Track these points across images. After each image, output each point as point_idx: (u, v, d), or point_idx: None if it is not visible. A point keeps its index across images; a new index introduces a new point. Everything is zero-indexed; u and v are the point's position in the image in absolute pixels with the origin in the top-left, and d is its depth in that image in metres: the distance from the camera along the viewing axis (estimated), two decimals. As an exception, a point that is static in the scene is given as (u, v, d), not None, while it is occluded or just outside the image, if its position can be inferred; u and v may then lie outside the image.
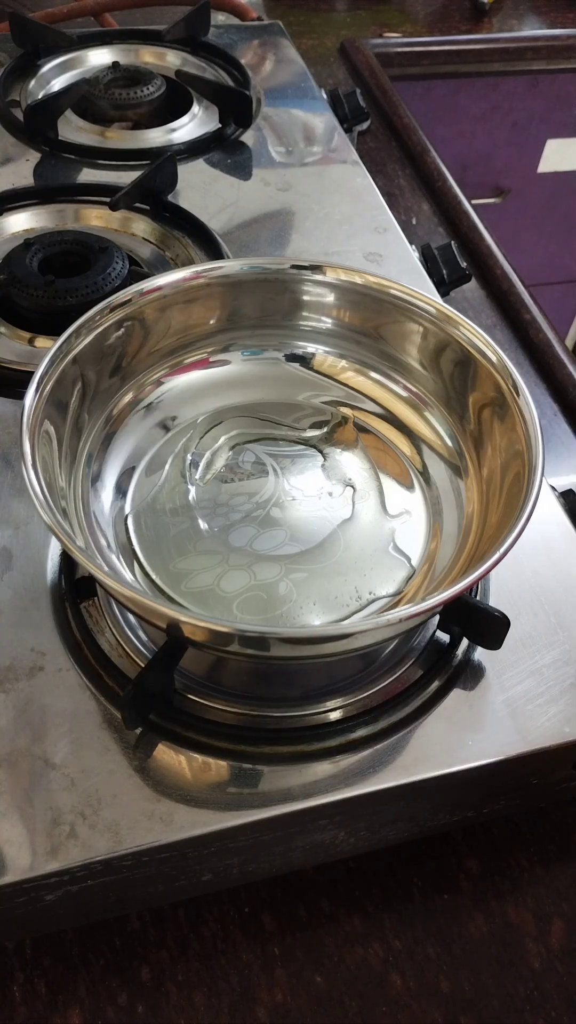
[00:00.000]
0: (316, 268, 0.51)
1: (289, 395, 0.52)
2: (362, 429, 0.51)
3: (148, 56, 0.89)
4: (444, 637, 0.45)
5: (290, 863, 0.42)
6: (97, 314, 0.46)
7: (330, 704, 0.42)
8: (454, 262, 0.68)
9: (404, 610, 0.36)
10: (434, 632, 0.45)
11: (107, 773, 0.39)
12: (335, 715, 0.42)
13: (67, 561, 0.46)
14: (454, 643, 0.44)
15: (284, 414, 0.51)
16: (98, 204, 0.68)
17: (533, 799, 0.45)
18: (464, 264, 0.67)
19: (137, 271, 0.62)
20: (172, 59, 0.89)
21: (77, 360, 0.45)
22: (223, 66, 0.88)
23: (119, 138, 0.79)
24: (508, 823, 0.46)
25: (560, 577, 0.47)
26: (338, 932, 0.42)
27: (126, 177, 0.69)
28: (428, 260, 0.68)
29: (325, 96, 0.88)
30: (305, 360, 0.53)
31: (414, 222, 0.80)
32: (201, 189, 0.73)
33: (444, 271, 0.67)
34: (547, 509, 0.51)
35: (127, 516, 0.46)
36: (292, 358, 0.53)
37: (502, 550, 0.37)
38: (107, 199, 0.66)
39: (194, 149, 0.77)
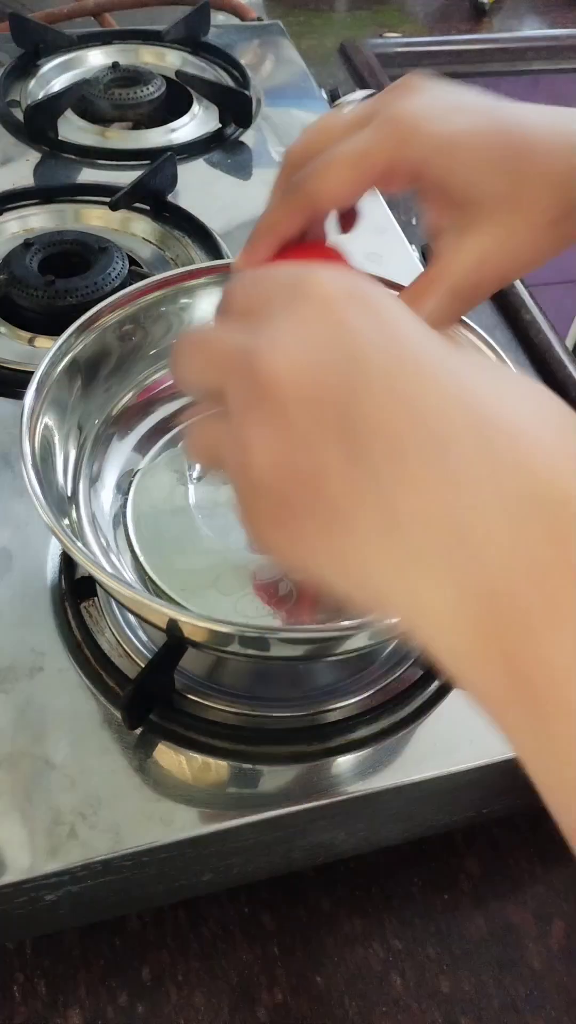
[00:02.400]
0: (316, 268, 0.50)
1: (289, 395, 0.52)
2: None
3: (148, 56, 0.89)
4: (444, 637, 0.45)
5: (290, 863, 0.42)
6: (97, 314, 0.46)
7: (330, 704, 0.42)
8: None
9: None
10: (434, 632, 0.45)
11: (107, 773, 0.39)
12: (335, 715, 0.42)
13: (67, 561, 0.46)
14: (454, 643, 0.44)
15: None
16: (98, 204, 0.68)
17: (533, 799, 0.45)
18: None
19: (137, 271, 0.62)
20: (172, 59, 0.89)
21: (77, 360, 0.45)
22: (223, 66, 0.88)
23: (119, 138, 0.79)
24: (508, 823, 0.46)
25: (560, 577, 0.47)
26: (338, 932, 0.42)
27: (126, 177, 0.69)
28: (428, 260, 0.68)
29: (325, 96, 0.88)
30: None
31: (414, 222, 0.80)
32: (201, 189, 0.73)
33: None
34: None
35: (127, 516, 0.46)
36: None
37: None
38: (107, 199, 0.66)
39: (194, 149, 0.77)
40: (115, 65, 0.83)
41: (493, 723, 0.20)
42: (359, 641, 0.38)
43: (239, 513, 0.23)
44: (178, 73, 0.85)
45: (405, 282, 0.49)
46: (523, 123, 0.32)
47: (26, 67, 0.84)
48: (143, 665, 0.41)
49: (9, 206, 0.68)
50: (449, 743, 0.41)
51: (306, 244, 0.35)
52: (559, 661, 0.17)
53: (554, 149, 0.31)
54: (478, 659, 0.19)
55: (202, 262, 0.60)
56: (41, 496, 0.37)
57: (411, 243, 0.69)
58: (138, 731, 0.40)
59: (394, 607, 0.20)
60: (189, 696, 0.42)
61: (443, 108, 0.31)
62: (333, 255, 0.36)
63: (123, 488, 0.47)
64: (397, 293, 0.36)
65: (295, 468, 0.21)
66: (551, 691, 0.18)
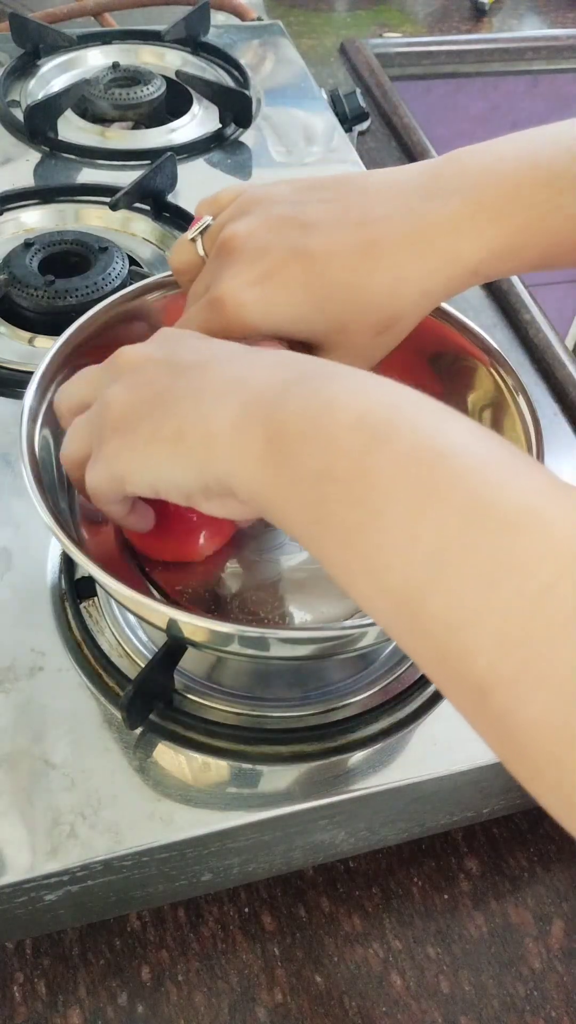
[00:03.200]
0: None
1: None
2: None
3: (148, 56, 0.89)
4: (444, 637, 0.45)
5: (290, 863, 0.42)
6: (97, 314, 0.46)
7: (330, 704, 0.42)
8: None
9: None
10: (434, 632, 0.45)
11: (107, 773, 0.39)
12: (335, 715, 0.42)
13: (67, 561, 0.46)
14: (454, 643, 0.44)
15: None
16: (98, 204, 0.68)
17: (533, 799, 0.45)
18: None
19: (137, 271, 0.62)
20: (172, 59, 0.89)
21: (77, 360, 0.45)
22: (223, 66, 0.88)
23: (119, 138, 0.79)
24: (508, 823, 0.46)
25: (560, 577, 0.47)
26: (338, 932, 0.42)
27: (126, 177, 0.69)
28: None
29: (325, 96, 0.88)
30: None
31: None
32: (201, 189, 0.72)
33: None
34: (547, 509, 0.51)
35: (127, 516, 0.46)
36: (292, 358, 0.53)
37: (502, 550, 0.37)
38: (107, 199, 0.66)
39: (194, 149, 0.77)
40: (115, 65, 0.83)
41: (263, 503, 0.29)
42: (359, 641, 0.38)
43: (94, 465, 0.33)
44: (178, 73, 0.85)
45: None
46: (332, 262, 0.37)
47: (26, 67, 0.84)
48: (143, 665, 0.41)
49: (9, 206, 0.68)
50: (449, 743, 0.41)
51: None
52: (294, 420, 0.28)
53: (359, 286, 0.37)
54: (244, 436, 0.29)
55: (202, 262, 0.60)
56: (41, 496, 0.37)
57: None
58: (138, 731, 0.40)
59: (196, 437, 0.30)
60: (189, 696, 0.42)
61: (259, 273, 0.37)
62: None
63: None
64: None
65: (142, 393, 0.32)
66: (287, 439, 0.28)
